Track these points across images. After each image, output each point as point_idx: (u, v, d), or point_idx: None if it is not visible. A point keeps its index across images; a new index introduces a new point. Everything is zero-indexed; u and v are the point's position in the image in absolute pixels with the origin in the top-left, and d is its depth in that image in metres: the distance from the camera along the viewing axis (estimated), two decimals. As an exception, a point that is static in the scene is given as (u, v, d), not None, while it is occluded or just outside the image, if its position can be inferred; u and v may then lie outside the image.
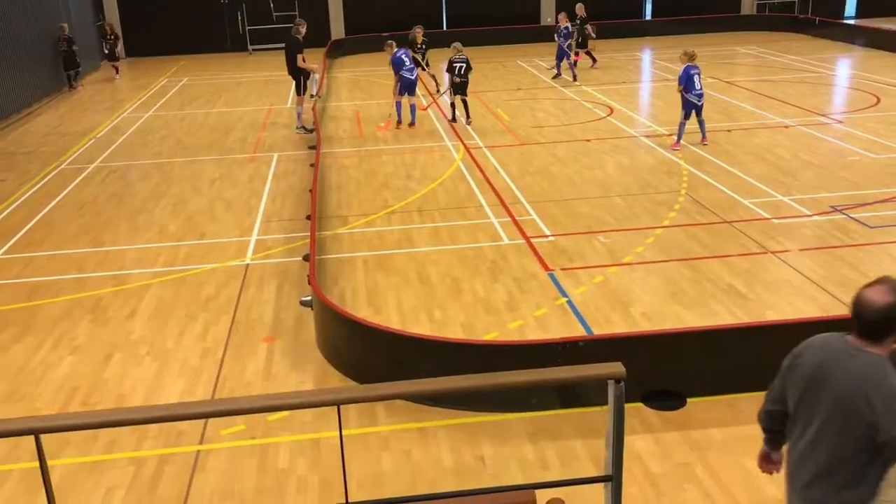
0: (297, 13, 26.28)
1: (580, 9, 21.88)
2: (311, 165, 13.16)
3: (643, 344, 6.65)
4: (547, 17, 29.97)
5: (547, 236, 10.14)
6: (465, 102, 16.31)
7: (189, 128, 17.38)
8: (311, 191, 11.40)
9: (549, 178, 12.56)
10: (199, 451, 6.16)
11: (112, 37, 24.55)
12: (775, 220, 10.37)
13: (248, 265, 9.70)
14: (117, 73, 24.57)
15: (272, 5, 28.81)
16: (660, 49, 26.52)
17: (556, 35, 21.35)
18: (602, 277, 8.87)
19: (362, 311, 8.19)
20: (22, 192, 13.02)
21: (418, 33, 17.30)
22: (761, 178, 12.04)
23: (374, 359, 7.06)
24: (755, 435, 6.13)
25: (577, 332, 7.68)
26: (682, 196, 11.44)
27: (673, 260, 9.27)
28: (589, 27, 21.95)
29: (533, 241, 9.99)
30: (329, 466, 5.91)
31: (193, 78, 24.27)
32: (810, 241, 9.71)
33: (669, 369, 6.63)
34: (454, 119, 16.55)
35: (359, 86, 21.88)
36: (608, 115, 16.84)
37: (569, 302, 8.32)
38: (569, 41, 20.97)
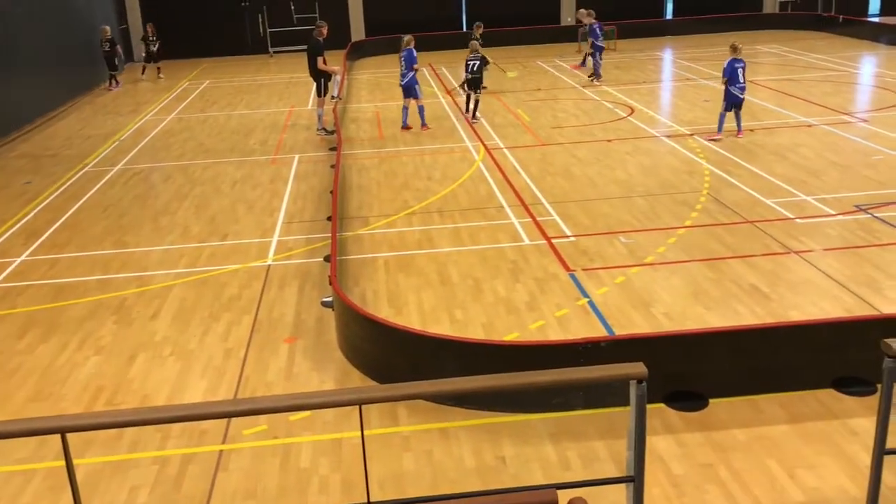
0: (317, 15, 26.39)
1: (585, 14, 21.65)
2: (332, 167, 13.23)
3: (665, 344, 6.63)
4: (567, 17, 29.89)
5: (568, 237, 10.12)
6: (475, 100, 16.65)
7: (211, 130, 17.51)
8: (331, 192, 11.44)
9: (570, 179, 12.53)
10: (221, 451, 6.21)
11: (153, 38, 24.83)
12: (798, 220, 10.28)
13: (269, 266, 9.76)
14: (160, 73, 24.90)
15: (293, 7, 28.95)
16: (681, 48, 26.37)
17: (588, 36, 20.89)
18: (624, 278, 8.84)
19: (383, 312, 8.22)
20: (47, 195, 13.17)
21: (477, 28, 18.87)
22: (784, 178, 11.95)
23: (395, 359, 7.08)
24: (778, 436, 6.13)
25: (599, 332, 7.66)
26: (704, 196, 11.37)
27: (695, 260, 9.22)
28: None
29: (554, 241, 9.97)
30: (351, 466, 5.93)
31: (215, 81, 24.44)
32: (834, 240, 9.62)
33: (692, 370, 6.60)
34: (468, 112, 16.92)
35: (379, 87, 21.94)
36: (629, 115, 16.77)
37: (590, 302, 8.30)
38: (599, 38, 20.56)
